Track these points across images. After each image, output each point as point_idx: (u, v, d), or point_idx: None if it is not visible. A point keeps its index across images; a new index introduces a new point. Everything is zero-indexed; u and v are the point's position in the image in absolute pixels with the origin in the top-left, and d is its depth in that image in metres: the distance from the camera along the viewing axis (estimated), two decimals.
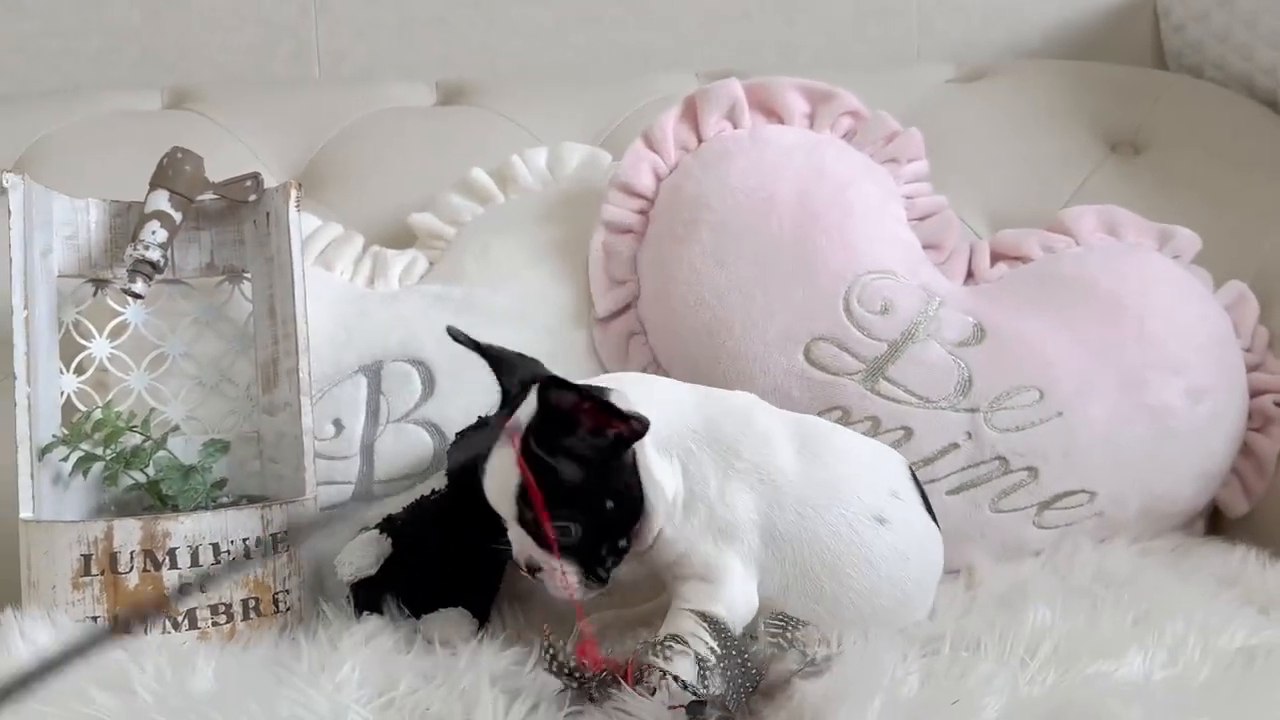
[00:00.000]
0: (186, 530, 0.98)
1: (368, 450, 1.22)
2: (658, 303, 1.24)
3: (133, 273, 1.11)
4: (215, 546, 0.99)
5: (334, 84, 1.74)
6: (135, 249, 1.11)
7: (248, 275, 1.24)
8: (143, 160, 1.25)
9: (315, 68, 1.78)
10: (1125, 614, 0.89)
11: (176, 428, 1.20)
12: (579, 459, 0.80)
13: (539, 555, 0.83)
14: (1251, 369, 1.29)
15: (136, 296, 1.13)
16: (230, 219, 1.23)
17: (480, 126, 1.58)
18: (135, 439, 1.12)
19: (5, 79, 1.73)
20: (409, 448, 1.22)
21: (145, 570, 0.96)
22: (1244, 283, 1.33)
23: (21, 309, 1.06)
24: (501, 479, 0.83)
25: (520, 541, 0.85)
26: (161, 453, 1.12)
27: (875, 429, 1.18)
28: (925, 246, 1.30)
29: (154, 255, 1.11)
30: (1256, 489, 1.27)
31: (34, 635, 0.89)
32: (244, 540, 1.01)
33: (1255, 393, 1.28)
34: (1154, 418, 1.19)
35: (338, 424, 1.23)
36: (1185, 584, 1.02)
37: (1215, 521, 1.31)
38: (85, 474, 1.10)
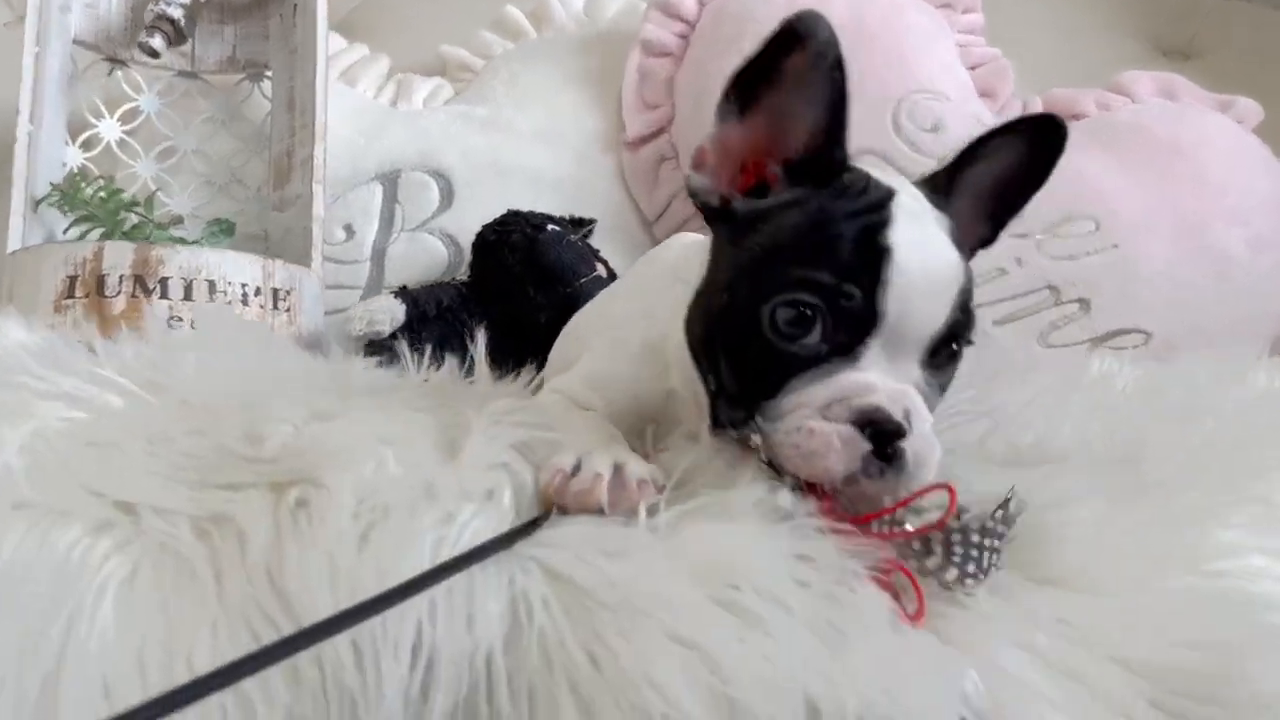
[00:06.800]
0: (182, 260, 0.91)
1: (379, 256, 1.15)
2: (693, 124, 1.18)
3: (151, 28, 1.07)
4: (211, 284, 0.92)
5: None
6: (158, 4, 1.06)
7: (269, 74, 1.19)
8: None
9: None
10: None
11: (181, 220, 1.14)
12: None
13: None
14: None
15: (153, 54, 1.08)
16: (256, 13, 1.19)
17: None
18: (134, 219, 1.06)
19: None
20: (422, 255, 1.16)
21: (133, 296, 0.89)
22: None
23: (33, 45, 1.01)
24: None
25: None
26: (161, 233, 1.06)
27: None
28: (980, 94, 1.23)
29: (175, 13, 1.07)
30: None
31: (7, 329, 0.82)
32: (242, 284, 0.94)
33: None
34: (1213, 263, 1.11)
35: (349, 229, 1.16)
36: None
37: None
38: (82, 238, 1.04)
